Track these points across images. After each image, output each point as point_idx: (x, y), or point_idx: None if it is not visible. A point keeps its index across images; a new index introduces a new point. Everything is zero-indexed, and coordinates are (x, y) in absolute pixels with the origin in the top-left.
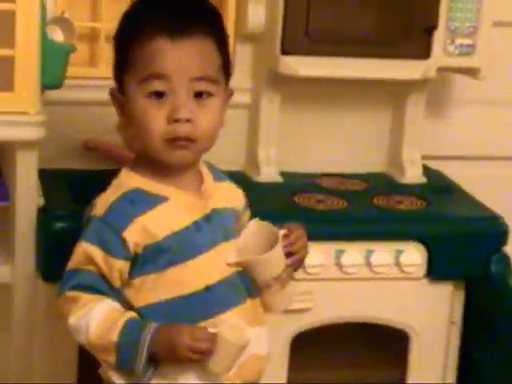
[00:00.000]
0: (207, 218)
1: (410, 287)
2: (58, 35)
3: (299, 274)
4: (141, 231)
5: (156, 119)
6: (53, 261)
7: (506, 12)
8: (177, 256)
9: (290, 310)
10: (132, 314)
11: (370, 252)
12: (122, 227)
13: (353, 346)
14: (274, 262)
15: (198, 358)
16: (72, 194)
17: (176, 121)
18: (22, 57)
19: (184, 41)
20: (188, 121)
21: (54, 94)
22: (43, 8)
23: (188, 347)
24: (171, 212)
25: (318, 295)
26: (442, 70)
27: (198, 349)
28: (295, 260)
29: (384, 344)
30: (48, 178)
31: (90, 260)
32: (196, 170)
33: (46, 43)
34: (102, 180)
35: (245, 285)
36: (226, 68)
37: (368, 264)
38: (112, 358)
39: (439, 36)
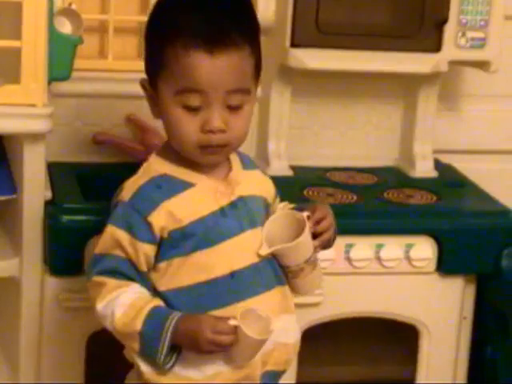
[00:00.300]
0: (233, 205)
1: (420, 282)
2: (65, 27)
3: None
4: (167, 216)
5: (189, 127)
6: (60, 254)
7: None
8: (202, 241)
9: (299, 304)
10: (156, 302)
11: (380, 246)
12: (148, 211)
13: (362, 341)
14: (304, 246)
15: (219, 351)
16: (80, 187)
17: (210, 131)
18: (30, 49)
19: (220, 54)
20: (221, 131)
21: (63, 87)
22: (51, 0)
23: (210, 341)
24: (197, 198)
25: (328, 290)
26: (453, 63)
27: (219, 342)
28: (323, 240)
29: (394, 339)
30: (56, 171)
31: (117, 244)
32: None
33: (53, 35)
34: (110, 173)
35: (273, 272)
36: (258, 68)
37: (378, 258)
38: (136, 345)
39: (450, 29)
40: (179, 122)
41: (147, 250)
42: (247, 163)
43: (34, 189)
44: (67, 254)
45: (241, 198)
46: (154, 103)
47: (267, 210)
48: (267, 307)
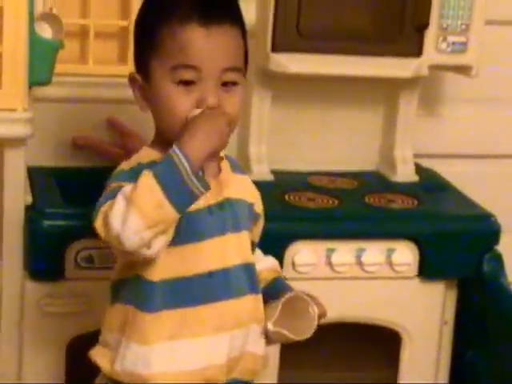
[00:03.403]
0: (220, 206)
1: (401, 286)
2: (46, 31)
3: (289, 273)
4: None
5: (183, 103)
6: (41, 259)
7: (498, 10)
8: (184, 235)
9: None
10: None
11: (361, 251)
12: None
13: (344, 346)
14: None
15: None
16: (60, 191)
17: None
18: (10, 53)
19: (216, 29)
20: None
21: (43, 91)
22: (31, 4)
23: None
24: None
25: None
26: (434, 67)
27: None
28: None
29: (376, 344)
30: (36, 176)
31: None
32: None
33: (33, 40)
34: (90, 177)
35: (249, 279)
36: (246, 55)
37: (359, 263)
38: (159, 194)
39: (431, 33)
40: (172, 100)
41: None
42: (236, 167)
43: (15, 193)
44: (48, 258)
45: (228, 200)
46: (143, 94)
47: (253, 216)
48: (240, 312)
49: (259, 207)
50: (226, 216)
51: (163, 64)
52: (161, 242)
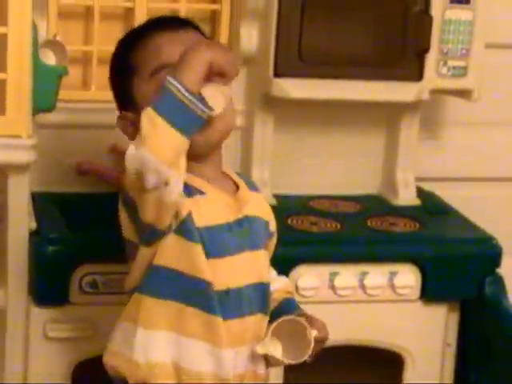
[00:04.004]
0: (239, 223)
1: (404, 309)
2: (50, 58)
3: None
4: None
5: None
6: (45, 284)
7: (498, 34)
8: (206, 250)
9: None
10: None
11: (363, 274)
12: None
13: (347, 369)
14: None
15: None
16: (64, 217)
17: None
18: (14, 80)
19: (182, 33)
20: None
21: (46, 118)
22: (35, 31)
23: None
24: (208, 206)
25: None
26: (435, 91)
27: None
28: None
29: (379, 366)
30: (40, 202)
31: None
32: (227, 176)
33: (38, 66)
34: (94, 203)
35: (261, 299)
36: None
37: (362, 286)
38: (159, 119)
39: (432, 58)
40: None
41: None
42: (251, 185)
43: (19, 219)
44: (52, 284)
45: (247, 218)
46: (135, 129)
47: (269, 235)
48: (245, 331)
49: (273, 226)
50: (245, 234)
51: (143, 76)
52: (176, 177)
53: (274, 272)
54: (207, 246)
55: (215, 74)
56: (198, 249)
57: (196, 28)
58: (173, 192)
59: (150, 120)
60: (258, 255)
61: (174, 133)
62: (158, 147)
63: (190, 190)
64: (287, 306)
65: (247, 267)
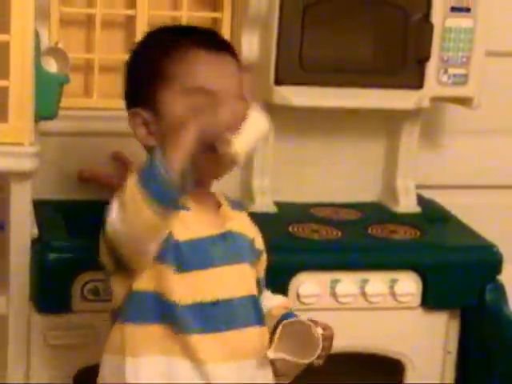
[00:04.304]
0: (222, 237)
1: (405, 316)
2: (52, 66)
3: (294, 305)
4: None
5: None
6: (47, 292)
7: (498, 42)
8: (189, 262)
9: None
10: None
11: (364, 281)
12: None
13: (348, 376)
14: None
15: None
16: (66, 224)
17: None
18: (17, 88)
19: (222, 55)
20: None
21: (48, 125)
22: (37, 39)
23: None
24: (191, 221)
25: None
26: (435, 99)
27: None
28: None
29: (379, 374)
30: (42, 209)
31: None
32: (212, 194)
33: (40, 74)
34: (96, 211)
35: (253, 311)
36: None
37: (363, 294)
38: (139, 191)
39: (432, 66)
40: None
41: None
42: (234, 205)
43: (21, 227)
44: (54, 291)
45: (230, 233)
46: (147, 129)
47: (255, 253)
48: (245, 343)
49: (260, 243)
50: (229, 248)
51: (173, 88)
52: (154, 247)
53: (268, 292)
54: (190, 258)
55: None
56: (168, 270)
57: (233, 52)
58: (152, 252)
59: (132, 192)
60: (244, 268)
61: (150, 211)
62: (135, 224)
63: None
64: (287, 317)
65: (235, 279)
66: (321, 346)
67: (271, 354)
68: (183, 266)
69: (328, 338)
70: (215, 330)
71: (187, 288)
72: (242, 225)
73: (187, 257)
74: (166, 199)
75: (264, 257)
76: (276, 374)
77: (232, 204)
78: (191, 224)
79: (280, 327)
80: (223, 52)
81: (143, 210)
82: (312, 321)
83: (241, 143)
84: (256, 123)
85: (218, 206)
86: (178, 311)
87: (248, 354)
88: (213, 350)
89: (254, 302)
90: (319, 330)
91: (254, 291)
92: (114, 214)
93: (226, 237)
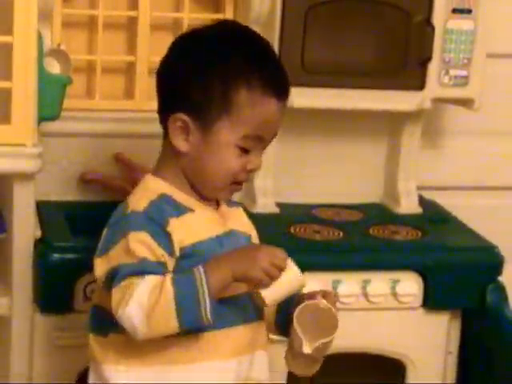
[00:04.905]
0: (227, 236)
1: (406, 317)
2: (54, 67)
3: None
4: (178, 231)
5: (237, 166)
6: (50, 292)
7: (499, 43)
8: (198, 264)
9: (285, 340)
10: (172, 274)
11: (366, 282)
12: (165, 222)
13: (350, 377)
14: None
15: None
16: (69, 225)
17: (250, 171)
18: (19, 89)
19: (284, 104)
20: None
21: (50, 126)
22: (40, 40)
23: (264, 269)
24: (197, 222)
25: None
26: (436, 100)
27: (273, 275)
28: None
29: (381, 374)
30: (45, 210)
31: (141, 244)
32: None
33: (42, 75)
34: (98, 212)
35: (250, 307)
36: None
37: (364, 294)
38: (174, 322)
39: (434, 67)
40: (231, 161)
41: (168, 261)
42: (230, 202)
43: (24, 227)
44: (57, 292)
45: (233, 231)
46: (186, 137)
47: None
48: (245, 339)
49: (255, 238)
50: (233, 246)
51: (235, 130)
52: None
53: None
54: (200, 260)
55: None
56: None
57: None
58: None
59: (164, 311)
60: None
61: (178, 329)
62: (159, 332)
63: (180, 209)
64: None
65: None
66: (336, 313)
67: (308, 349)
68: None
69: (334, 301)
70: (218, 328)
71: None
72: (241, 222)
73: (196, 259)
74: (197, 328)
75: None
76: (315, 363)
77: (228, 201)
78: (197, 226)
79: (294, 321)
80: (286, 99)
81: (171, 328)
82: (312, 295)
83: (272, 294)
84: (293, 280)
85: (217, 204)
86: None
87: (246, 350)
88: (218, 346)
89: (250, 297)
90: (323, 301)
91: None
92: (133, 315)
93: (231, 236)
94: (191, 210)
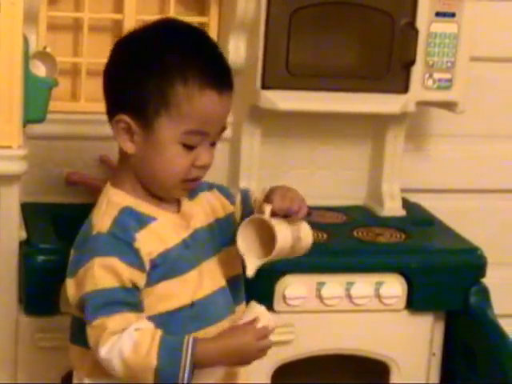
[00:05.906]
0: (193, 237)
1: (390, 319)
2: (40, 70)
3: (280, 306)
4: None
5: (184, 164)
6: (35, 294)
7: (483, 47)
8: (167, 272)
9: None
10: (161, 333)
11: (350, 284)
12: (132, 238)
13: (334, 378)
14: (284, 240)
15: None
16: (54, 227)
17: (201, 167)
18: (5, 91)
19: (226, 96)
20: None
21: (36, 128)
22: (26, 43)
23: (260, 349)
24: (161, 231)
25: (299, 327)
26: (420, 103)
27: (268, 346)
28: (293, 216)
29: (365, 376)
30: (30, 212)
31: (109, 272)
32: None
33: (28, 78)
34: (83, 213)
35: (227, 301)
36: None
37: (348, 296)
38: (151, 379)
39: (418, 70)
40: (176, 159)
41: (138, 278)
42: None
43: (9, 229)
44: (42, 293)
45: (197, 231)
46: (130, 137)
47: (221, 226)
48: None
49: (225, 209)
50: (199, 246)
51: (176, 126)
52: None
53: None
54: (168, 268)
55: None
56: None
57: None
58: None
59: (142, 371)
60: (216, 261)
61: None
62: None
63: (143, 219)
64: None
65: (207, 275)
66: (274, 224)
67: (250, 273)
68: (158, 279)
69: (292, 202)
70: (197, 330)
71: (164, 297)
72: (204, 212)
73: (164, 268)
74: None
75: (237, 197)
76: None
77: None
78: (161, 235)
79: (238, 243)
80: (230, 91)
81: (147, 381)
82: (269, 194)
83: None
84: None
85: (178, 202)
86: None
87: None
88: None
89: (226, 292)
90: (266, 211)
91: (231, 274)
92: (114, 364)
93: (195, 236)
94: (154, 219)
